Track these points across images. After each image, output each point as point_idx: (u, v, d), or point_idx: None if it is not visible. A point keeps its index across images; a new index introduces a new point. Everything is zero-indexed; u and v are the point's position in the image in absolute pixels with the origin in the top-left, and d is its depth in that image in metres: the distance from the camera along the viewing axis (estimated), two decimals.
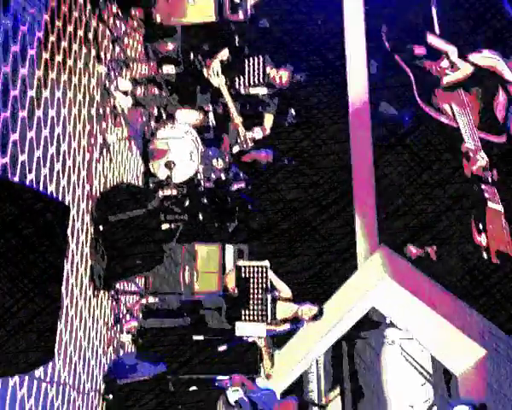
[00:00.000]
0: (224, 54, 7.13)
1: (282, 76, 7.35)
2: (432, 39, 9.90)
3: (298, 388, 11.39)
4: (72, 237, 5.70)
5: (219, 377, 7.12)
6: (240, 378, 6.95)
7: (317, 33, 9.98)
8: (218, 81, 7.06)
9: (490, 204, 9.60)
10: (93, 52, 6.29)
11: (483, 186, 9.66)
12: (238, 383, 6.87)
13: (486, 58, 9.96)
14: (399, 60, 9.92)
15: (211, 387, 7.32)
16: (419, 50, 9.88)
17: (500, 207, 9.59)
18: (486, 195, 9.64)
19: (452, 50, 9.85)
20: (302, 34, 9.97)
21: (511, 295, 9.54)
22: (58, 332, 5.18)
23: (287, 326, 7.23)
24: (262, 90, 7.29)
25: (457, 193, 9.68)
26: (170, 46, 7.68)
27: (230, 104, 7.15)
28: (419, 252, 9.61)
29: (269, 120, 7.63)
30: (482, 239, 9.53)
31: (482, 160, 9.66)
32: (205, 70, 7.12)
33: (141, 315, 7.74)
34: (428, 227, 9.73)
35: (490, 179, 9.69)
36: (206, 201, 8.10)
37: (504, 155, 9.76)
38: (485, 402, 9.28)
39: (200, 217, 8.29)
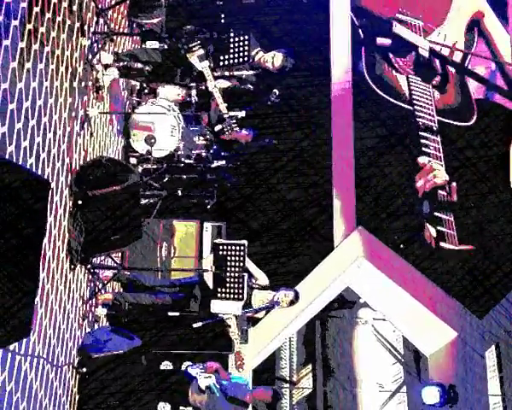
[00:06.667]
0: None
1: (275, 58, 7.30)
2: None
3: (270, 364, 11.49)
4: (51, 210, 5.66)
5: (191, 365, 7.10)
6: (214, 365, 6.96)
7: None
8: (202, 65, 6.96)
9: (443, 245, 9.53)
10: (77, 24, 6.21)
11: (437, 213, 9.51)
12: (212, 370, 6.88)
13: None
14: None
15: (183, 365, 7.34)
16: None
17: (456, 247, 9.55)
18: (442, 228, 9.54)
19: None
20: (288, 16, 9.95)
21: (482, 279, 9.69)
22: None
23: (262, 306, 7.25)
24: (247, 72, 7.23)
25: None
26: (154, 20, 7.60)
27: (215, 90, 7.06)
28: None
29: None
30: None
31: (440, 174, 9.38)
32: (189, 54, 6.99)
33: (121, 289, 7.73)
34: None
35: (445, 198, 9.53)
36: (185, 177, 8.09)
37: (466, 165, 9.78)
38: (454, 384, 9.45)
39: (179, 193, 8.28)
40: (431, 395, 9.29)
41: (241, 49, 7.04)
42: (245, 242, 6.98)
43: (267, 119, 9.53)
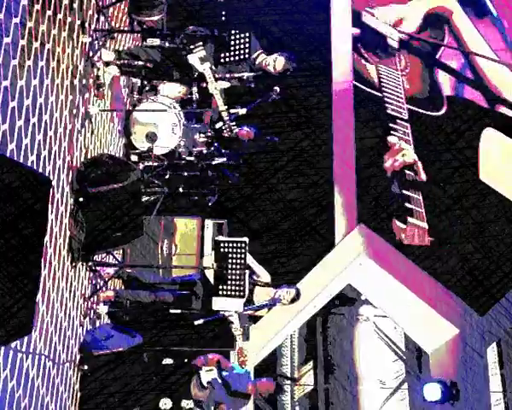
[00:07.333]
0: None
1: (277, 62, 7.27)
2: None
3: (271, 361, 11.49)
4: (52, 207, 5.67)
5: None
6: (215, 357, 6.96)
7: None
8: (203, 67, 6.92)
9: (411, 220, 9.47)
10: (78, 22, 6.21)
11: (406, 192, 9.48)
12: (213, 362, 6.89)
13: None
14: None
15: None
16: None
17: (424, 224, 9.50)
18: (410, 205, 9.49)
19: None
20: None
21: (484, 277, 9.69)
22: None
23: (264, 303, 7.24)
24: (247, 74, 7.20)
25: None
26: (155, 18, 7.57)
27: (215, 92, 7.03)
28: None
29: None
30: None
31: (409, 153, 9.34)
32: (189, 56, 6.95)
33: (122, 287, 7.73)
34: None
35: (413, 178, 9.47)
36: (186, 174, 8.09)
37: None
38: (455, 380, 9.43)
39: (181, 190, 8.27)
40: (432, 391, 9.27)
41: (242, 46, 7.03)
42: (246, 239, 6.97)
43: (267, 118, 9.53)
